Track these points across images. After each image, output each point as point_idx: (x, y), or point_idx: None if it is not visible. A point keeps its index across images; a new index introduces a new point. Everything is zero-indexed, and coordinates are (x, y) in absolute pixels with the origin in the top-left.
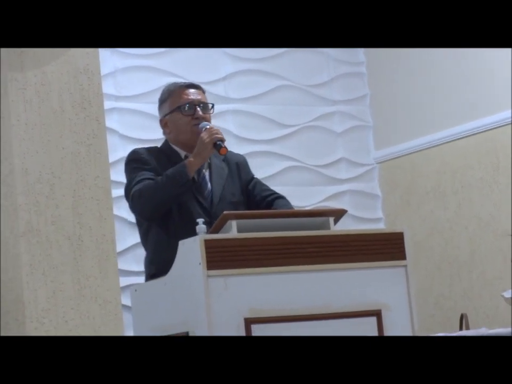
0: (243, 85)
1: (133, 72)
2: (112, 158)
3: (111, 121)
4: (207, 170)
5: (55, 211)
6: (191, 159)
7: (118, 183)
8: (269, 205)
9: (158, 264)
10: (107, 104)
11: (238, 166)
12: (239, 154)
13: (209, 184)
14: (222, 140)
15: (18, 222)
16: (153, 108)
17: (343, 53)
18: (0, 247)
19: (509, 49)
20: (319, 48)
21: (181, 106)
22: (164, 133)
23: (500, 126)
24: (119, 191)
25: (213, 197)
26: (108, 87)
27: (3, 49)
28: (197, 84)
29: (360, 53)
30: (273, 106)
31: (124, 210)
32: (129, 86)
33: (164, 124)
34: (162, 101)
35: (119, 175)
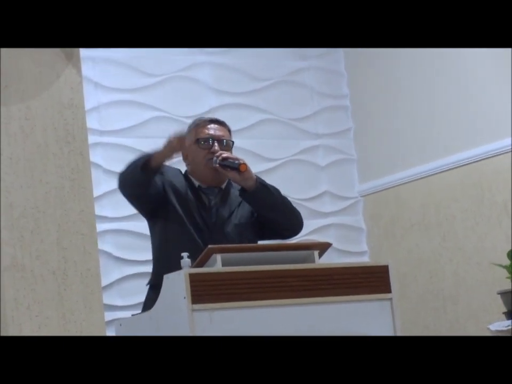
0: (227, 119)
1: (117, 106)
2: (96, 192)
3: (95, 156)
4: (218, 197)
5: (39, 246)
6: (159, 150)
7: (102, 217)
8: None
9: (157, 275)
10: (91, 139)
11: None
12: None
13: (214, 209)
14: (229, 158)
15: (2, 256)
16: (137, 142)
17: (327, 86)
18: None
19: (495, 83)
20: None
21: (199, 139)
22: (185, 165)
23: (483, 159)
24: (104, 226)
25: (216, 220)
26: (92, 122)
27: None
28: (222, 120)
29: (343, 86)
30: (256, 140)
31: (108, 245)
32: (113, 121)
33: (184, 156)
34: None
35: (103, 209)
